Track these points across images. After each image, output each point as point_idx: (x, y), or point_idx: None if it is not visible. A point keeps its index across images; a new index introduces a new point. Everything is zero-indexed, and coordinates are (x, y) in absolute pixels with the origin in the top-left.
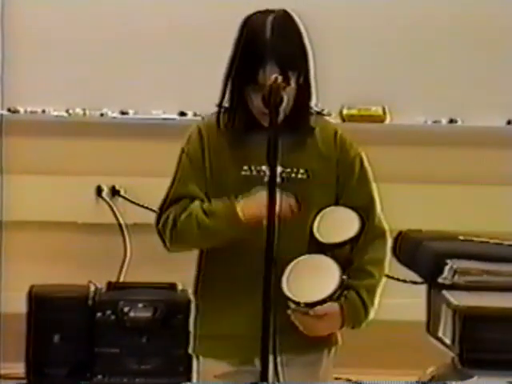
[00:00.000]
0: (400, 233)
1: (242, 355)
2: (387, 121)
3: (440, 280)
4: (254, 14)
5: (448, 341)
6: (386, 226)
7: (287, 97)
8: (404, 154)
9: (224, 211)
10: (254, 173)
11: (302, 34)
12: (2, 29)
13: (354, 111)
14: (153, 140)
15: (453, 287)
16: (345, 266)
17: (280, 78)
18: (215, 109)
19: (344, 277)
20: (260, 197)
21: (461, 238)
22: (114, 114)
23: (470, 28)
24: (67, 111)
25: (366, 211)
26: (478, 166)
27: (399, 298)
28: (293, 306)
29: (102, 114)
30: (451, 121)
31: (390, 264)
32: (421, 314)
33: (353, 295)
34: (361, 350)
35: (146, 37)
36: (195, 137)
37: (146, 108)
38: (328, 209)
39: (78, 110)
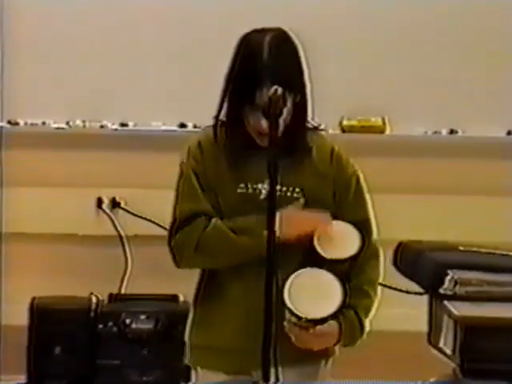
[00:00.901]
0: (400, 243)
1: (239, 367)
2: (387, 131)
3: (441, 290)
4: (252, 32)
5: (449, 351)
6: (380, 246)
7: (284, 116)
8: (404, 164)
9: (258, 226)
10: (250, 190)
11: (298, 53)
12: (2, 40)
13: (353, 122)
14: (153, 152)
15: (454, 298)
16: (343, 281)
17: (280, 90)
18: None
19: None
20: (298, 215)
21: (461, 248)
22: (114, 126)
23: (471, 39)
24: (67, 123)
25: (362, 229)
26: (478, 176)
27: (400, 309)
28: (293, 319)
29: (102, 126)
30: (451, 131)
31: (391, 274)
32: (422, 325)
33: (351, 314)
34: (361, 361)
35: (146, 49)
36: (196, 151)
37: (146, 120)
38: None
39: (78, 122)
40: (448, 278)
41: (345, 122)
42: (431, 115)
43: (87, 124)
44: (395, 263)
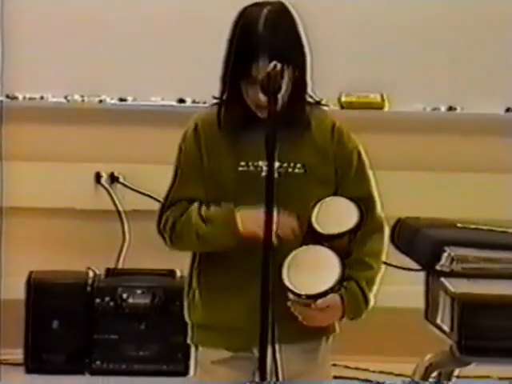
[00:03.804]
0: (398, 220)
1: (240, 344)
2: (386, 108)
3: (438, 267)
4: (250, 5)
5: (446, 328)
6: (385, 221)
7: (282, 91)
8: (403, 141)
9: (222, 219)
10: (252, 168)
11: (297, 26)
12: (1, 15)
13: (352, 98)
14: (151, 127)
15: (451, 274)
16: (341, 255)
17: (279, 66)
18: (213, 96)
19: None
20: (261, 213)
21: (459, 225)
22: (113, 101)
23: (470, 15)
24: (66, 98)
25: (364, 204)
26: (476, 153)
27: (398, 285)
28: (293, 297)
29: (100, 101)
30: (450, 108)
31: (389, 251)
32: (419, 301)
33: (353, 286)
34: (359, 337)
35: (144, 23)
36: (191, 133)
37: (145, 95)
38: (327, 199)
39: (77, 97)
40: (445, 254)
41: (343, 98)
42: (430, 92)
43: (86, 99)
44: (393, 240)
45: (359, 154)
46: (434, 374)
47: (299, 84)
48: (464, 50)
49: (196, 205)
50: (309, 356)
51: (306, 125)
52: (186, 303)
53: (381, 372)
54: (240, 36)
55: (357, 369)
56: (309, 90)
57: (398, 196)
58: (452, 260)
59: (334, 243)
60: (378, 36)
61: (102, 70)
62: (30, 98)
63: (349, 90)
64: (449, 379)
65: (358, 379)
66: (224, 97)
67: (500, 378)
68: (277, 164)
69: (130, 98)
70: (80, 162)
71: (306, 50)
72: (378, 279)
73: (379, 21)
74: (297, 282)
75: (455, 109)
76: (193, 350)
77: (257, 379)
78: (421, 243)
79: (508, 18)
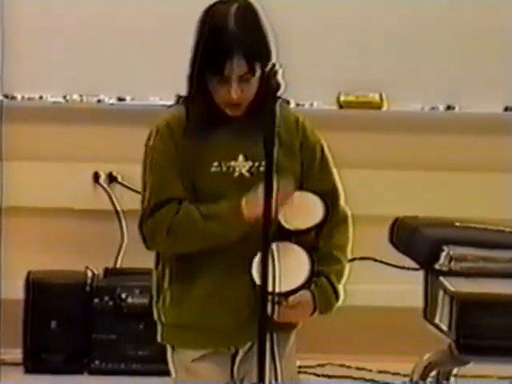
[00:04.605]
0: (396, 219)
1: (219, 342)
2: (384, 107)
3: (437, 266)
4: (216, 3)
5: (445, 327)
6: (349, 212)
7: (250, 87)
8: (401, 140)
9: (228, 213)
10: (224, 169)
11: (263, 23)
12: (1, 15)
13: (351, 98)
14: (150, 127)
15: (450, 273)
16: (310, 251)
17: (278, 65)
18: (178, 95)
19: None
20: (259, 193)
21: (457, 224)
22: (111, 101)
23: (468, 14)
24: (64, 97)
25: (329, 197)
26: (475, 152)
27: (396, 284)
28: None
29: (99, 101)
30: (448, 107)
31: (387, 250)
32: (418, 301)
33: (323, 281)
34: (358, 336)
35: (143, 23)
36: (165, 131)
37: (143, 94)
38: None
39: (76, 97)
40: (443, 253)
41: (342, 98)
42: (428, 91)
43: (84, 98)
44: (391, 239)
45: (322, 147)
46: (433, 373)
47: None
48: (462, 50)
49: (188, 203)
50: (279, 345)
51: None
52: (154, 302)
53: (379, 371)
54: (210, 34)
55: (356, 368)
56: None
57: (397, 195)
58: (451, 259)
59: (302, 238)
60: (376, 36)
61: (100, 70)
62: (29, 98)
63: (347, 89)
64: (447, 378)
65: (356, 379)
66: (193, 96)
67: (499, 378)
68: (249, 163)
69: (128, 98)
70: (78, 162)
71: (272, 46)
72: (346, 272)
73: (378, 20)
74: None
75: (454, 108)
76: (168, 350)
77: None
78: (419, 242)
79: (507, 18)
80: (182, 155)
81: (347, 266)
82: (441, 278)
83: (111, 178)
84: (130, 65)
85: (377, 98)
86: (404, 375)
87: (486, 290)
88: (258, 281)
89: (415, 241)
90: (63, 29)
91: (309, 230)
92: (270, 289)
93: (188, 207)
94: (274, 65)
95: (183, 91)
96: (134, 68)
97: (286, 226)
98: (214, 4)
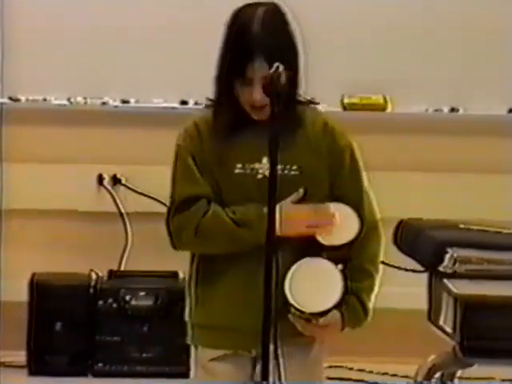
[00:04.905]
0: (400, 221)
1: (239, 344)
2: (388, 109)
3: (441, 268)
4: (244, 6)
5: (449, 329)
6: (378, 216)
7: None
8: (405, 142)
9: (258, 222)
10: (248, 171)
11: (290, 26)
12: (3, 17)
13: (355, 100)
14: (154, 129)
15: (454, 275)
16: (342, 262)
17: (281, 67)
18: (207, 97)
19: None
20: (299, 212)
21: (461, 226)
22: (116, 103)
23: (471, 16)
24: (68, 99)
25: (357, 203)
26: (479, 154)
27: (400, 286)
28: (296, 313)
29: (103, 103)
30: (452, 109)
31: (391, 252)
32: (422, 303)
33: (353, 300)
34: (362, 338)
35: (147, 25)
36: (193, 132)
37: (147, 97)
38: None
39: (79, 99)
40: (448, 255)
41: (346, 100)
42: (432, 93)
43: (88, 101)
44: (395, 241)
45: (352, 150)
46: (437, 375)
47: (293, 84)
48: (466, 51)
49: (216, 205)
50: (303, 351)
51: (299, 125)
52: (187, 303)
53: (383, 373)
54: (235, 37)
55: (359, 370)
56: (301, 89)
57: (401, 197)
58: (455, 261)
59: (334, 252)
60: (380, 37)
61: (104, 72)
62: (33, 100)
63: (351, 91)
64: (451, 380)
65: (360, 381)
66: (218, 98)
67: (503, 380)
68: None
69: (132, 100)
70: (82, 164)
71: (299, 49)
72: (377, 284)
73: (381, 22)
74: (299, 296)
75: (458, 110)
76: (192, 350)
77: (256, 379)
78: (423, 244)
79: (510, 18)
80: (207, 156)
81: (378, 277)
82: (445, 280)
83: (115, 180)
84: (135, 67)
85: (381, 99)
86: (402, 376)
87: (490, 292)
88: (291, 300)
89: (419, 243)
90: (67, 31)
91: (343, 246)
92: (302, 308)
93: (217, 209)
94: (278, 67)
95: (186, 94)
96: (138, 70)
97: (321, 241)
98: (243, 7)
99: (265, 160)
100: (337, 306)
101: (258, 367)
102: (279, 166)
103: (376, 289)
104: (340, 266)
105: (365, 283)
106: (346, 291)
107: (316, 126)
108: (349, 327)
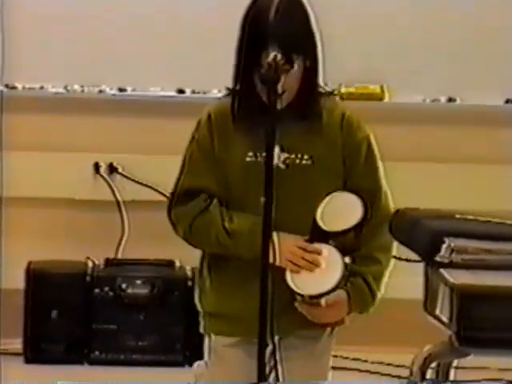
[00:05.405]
0: (397, 211)
1: (250, 333)
2: (385, 99)
3: (437, 258)
4: None
5: (445, 319)
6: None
7: (291, 79)
8: (402, 132)
9: (247, 240)
10: (259, 159)
11: (308, 15)
12: (2, 6)
13: (352, 89)
14: (151, 117)
15: (450, 265)
16: (350, 252)
17: (279, 57)
18: (212, 87)
19: (347, 261)
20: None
21: (458, 216)
22: (113, 91)
23: (470, 6)
24: (65, 88)
25: (372, 195)
26: (476, 144)
27: (396, 276)
28: (298, 298)
29: (100, 91)
30: (450, 99)
31: None
32: (418, 292)
33: (359, 282)
34: (358, 328)
35: (144, 14)
36: (205, 123)
37: (144, 85)
38: (331, 195)
39: (76, 87)
40: (444, 245)
41: (343, 90)
42: (430, 83)
43: (85, 89)
44: (391, 231)
45: (369, 144)
46: (433, 364)
47: (311, 74)
48: (464, 42)
49: (217, 205)
50: (310, 343)
51: (316, 115)
52: (197, 292)
53: (380, 363)
54: (251, 25)
55: (356, 359)
56: (320, 80)
57: (398, 187)
58: (451, 251)
59: (340, 239)
60: (377, 27)
61: (101, 60)
62: (30, 88)
63: (348, 81)
64: (448, 370)
65: (356, 370)
66: (237, 87)
67: (499, 370)
68: (285, 155)
69: (129, 89)
70: (79, 152)
71: (317, 39)
72: (386, 273)
73: (379, 12)
74: (299, 281)
75: (455, 100)
76: (206, 339)
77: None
78: (420, 234)
79: (508, 10)
80: (217, 145)
81: (389, 267)
82: (441, 270)
83: (112, 169)
84: (131, 55)
85: (378, 89)
86: (397, 366)
87: (486, 282)
88: (294, 287)
89: (416, 232)
90: (65, 19)
91: (345, 231)
92: (302, 291)
93: (214, 212)
94: (275, 56)
95: (183, 82)
96: (136, 59)
97: (323, 226)
98: None
99: (277, 149)
100: (337, 287)
101: (267, 353)
102: (291, 155)
103: (385, 278)
104: (347, 259)
105: (371, 269)
106: (346, 274)
107: (334, 118)
108: (356, 311)
